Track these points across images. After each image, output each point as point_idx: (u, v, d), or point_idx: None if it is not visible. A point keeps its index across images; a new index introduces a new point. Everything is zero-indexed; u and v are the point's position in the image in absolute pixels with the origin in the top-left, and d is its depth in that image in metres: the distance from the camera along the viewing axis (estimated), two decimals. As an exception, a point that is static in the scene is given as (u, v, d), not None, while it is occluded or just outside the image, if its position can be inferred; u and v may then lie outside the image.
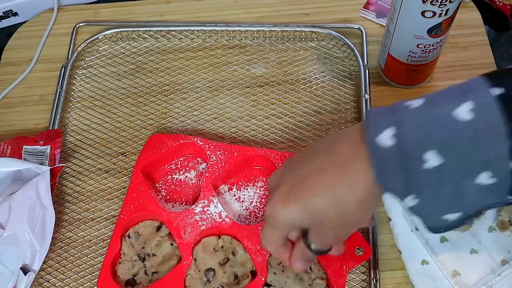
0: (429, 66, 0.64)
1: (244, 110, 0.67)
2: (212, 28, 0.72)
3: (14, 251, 0.55)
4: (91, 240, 0.59)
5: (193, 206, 0.57)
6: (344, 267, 0.53)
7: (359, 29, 0.71)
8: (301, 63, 0.70)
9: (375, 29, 0.72)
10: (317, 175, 0.40)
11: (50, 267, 0.58)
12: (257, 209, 0.59)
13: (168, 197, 0.61)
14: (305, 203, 0.41)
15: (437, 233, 0.42)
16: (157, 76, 0.70)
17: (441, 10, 0.54)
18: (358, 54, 0.68)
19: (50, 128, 0.65)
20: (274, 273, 0.55)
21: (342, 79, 0.68)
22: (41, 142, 0.63)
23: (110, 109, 0.68)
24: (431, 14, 0.55)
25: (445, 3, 0.53)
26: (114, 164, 0.64)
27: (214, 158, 0.60)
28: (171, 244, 0.57)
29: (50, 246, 0.56)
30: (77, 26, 0.74)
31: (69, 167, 0.64)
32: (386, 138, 0.37)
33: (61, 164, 0.62)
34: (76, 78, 0.70)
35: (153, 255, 0.57)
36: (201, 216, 0.56)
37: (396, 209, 0.56)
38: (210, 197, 0.57)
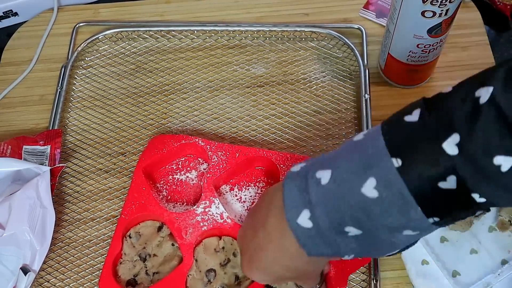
0: (429, 66, 0.64)
1: (244, 110, 0.67)
2: (212, 28, 0.72)
3: (14, 251, 0.54)
4: (91, 240, 0.59)
5: (194, 207, 0.57)
6: (345, 270, 0.53)
7: (359, 29, 0.71)
8: (301, 63, 0.70)
9: (375, 29, 0.72)
10: (262, 251, 0.44)
11: (50, 267, 0.58)
12: (258, 209, 0.60)
13: (169, 197, 0.61)
14: (264, 271, 0.45)
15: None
16: (157, 76, 0.70)
17: (441, 10, 0.54)
18: (358, 54, 0.68)
19: (50, 128, 0.65)
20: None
21: (342, 79, 0.68)
22: (41, 142, 0.63)
23: (110, 109, 0.68)
24: (431, 14, 0.55)
25: (445, 3, 0.53)
26: (114, 164, 0.64)
27: (216, 158, 0.59)
28: (172, 245, 0.57)
29: (50, 246, 0.56)
30: (77, 26, 0.74)
31: (69, 167, 0.64)
32: (304, 220, 0.39)
33: (61, 164, 0.62)
34: (76, 78, 0.70)
35: (154, 255, 0.57)
36: (202, 216, 0.56)
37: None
38: (211, 197, 0.57)
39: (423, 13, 0.55)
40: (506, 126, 0.31)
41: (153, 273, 0.56)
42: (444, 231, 0.56)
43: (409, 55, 0.61)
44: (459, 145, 0.33)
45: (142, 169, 0.59)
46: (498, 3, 0.73)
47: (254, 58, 0.71)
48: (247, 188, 0.61)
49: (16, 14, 0.76)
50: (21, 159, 0.61)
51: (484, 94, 0.32)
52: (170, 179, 0.62)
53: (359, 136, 0.39)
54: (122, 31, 0.73)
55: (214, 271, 0.55)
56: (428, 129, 0.34)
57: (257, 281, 0.48)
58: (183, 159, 0.63)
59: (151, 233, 0.58)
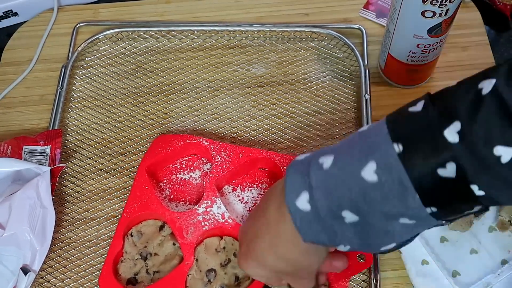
0: (429, 66, 0.64)
1: (244, 110, 0.67)
2: (212, 28, 0.72)
3: (14, 251, 0.54)
4: (91, 240, 0.59)
5: (196, 207, 0.57)
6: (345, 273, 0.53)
7: (359, 29, 0.71)
8: (301, 63, 0.70)
9: (375, 29, 0.72)
10: (258, 238, 0.44)
11: (50, 267, 0.58)
12: (258, 209, 0.60)
13: (172, 196, 0.61)
14: (258, 261, 0.45)
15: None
16: (157, 76, 0.70)
17: (441, 10, 0.54)
18: (358, 54, 0.68)
19: (50, 128, 0.65)
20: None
21: (342, 79, 0.68)
22: (41, 142, 0.63)
23: (110, 109, 0.68)
24: (431, 14, 0.55)
25: (445, 3, 0.53)
26: (114, 164, 0.64)
27: (219, 158, 0.60)
28: (174, 244, 0.57)
29: (50, 246, 0.56)
30: (77, 26, 0.74)
31: (69, 167, 0.64)
32: (302, 202, 0.39)
33: (61, 164, 0.62)
34: (76, 78, 0.70)
35: (155, 254, 0.57)
36: (204, 216, 0.57)
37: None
38: (213, 197, 0.57)
39: (423, 13, 0.55)
40: (507, 117, 0.31)
41: (154, 272, 0.56)
42: (444, 231, 0.56)
43: (409, 55, 0.61)
44: (460, 133, 0.33)
45: (145, 168, 0.59)
46: (498, 3, 0.73)
47: (254, 58, 0.71)
48: (249, 189, 0.61)
49: (16, 14, 0.76)
50: (21, 159, 0.61)
51: (487, 85, 0.33)
52: (174, 178, 0.62)
53: (364, 127, 0.39)
54: (122, 31, 0.73)
55: (215, 271, 0.55)
56: (430, 118, 0.35)
57: (252, 275, 0.48)
58: (186, 158, 0.63)
59: (152, 232, 0.58)
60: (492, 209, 0.56)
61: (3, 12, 0.76)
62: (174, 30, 0.73)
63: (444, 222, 0.38)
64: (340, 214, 0.38)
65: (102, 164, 0.64)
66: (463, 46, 0.70)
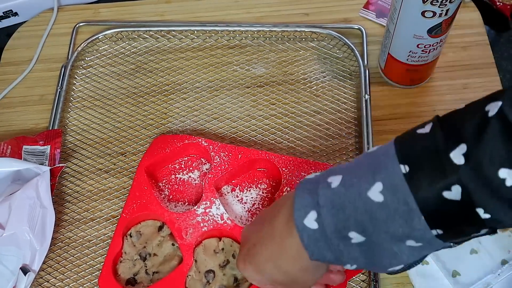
0: (429, 66, 0.64)
1: (244, 110, 0.67)
2: (212, 28, 0.72)
3: (14, 251, 0.55)
4: (91, 240, 0.59)
5: (195, 207, 0.57)
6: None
7: (359, 29, 0.71)
8: (301, 63, 0.70)
9: (375, 29, 0.72)
10: (262, 246, 0.44)
11: (50, 267, 0.58)
12: (259, 211, 0.59)
13: (171, 196, 0.61)
14: (256, 266, 0.45)
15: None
16: (157, 76, 0.70)
17: (441, 10, 0.54)
18: (358, 54, 0.68)
19: (50, 128, 0.65)
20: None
21: (342, 79, 0.68)
22: (41, 142, 0.63)
23: (110, 109, 0.68)
24: (431, 14, 0.55)
25: (445, 3, 0.53)
26: (114, 164, 0.64)
27: (218, 159, 0.59)
28: (173, 245, 0.57)
29: (50, 246, 0.56)
30: (77, 26, 0.74)
31: (69, 167, 0.64)
32: (310, 221, 0.39)
33: (61, 164, 0.62)
34: (76, 78, 0.70)
35: (154, 255, 0.57)
36: (203, 217, 0.56)
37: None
38: (212, 198, 0.57)
39: (423, 13, 0.55)
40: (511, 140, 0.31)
41: (153, 273, 0.56)
42: (444, 231, 0.55)
43: (409, 55, 0.61)
44: (465, 155, 0.33)
45: (144, 168, 0.59)
46: (498, 3, 0.73)
47: (254, 58, 0.71)
48: (248, 189, 0.61)
49: (16, 14, 0.76)
50: (21, 159, 0.61)
51: (493, 108, 0.33)
52: (173, 178, 0.62)
53: (373, 148, 0.40)
54: (122, 31, 0.73)
55: (213, 272, 0.55)
56: (437, 140, 0.35)
57: (247, 278, 0.48)
58: (185, 158, 0.63)
59: (151, 233, 0.58)
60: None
61: (3, 12, 0.76)
62: (174, 30, 0.73)
63: (452, 244, 0.37)
64: (346, 235, 0.38)
65: (101, 164, 0.64)
66: (463, 46, 0.70)
